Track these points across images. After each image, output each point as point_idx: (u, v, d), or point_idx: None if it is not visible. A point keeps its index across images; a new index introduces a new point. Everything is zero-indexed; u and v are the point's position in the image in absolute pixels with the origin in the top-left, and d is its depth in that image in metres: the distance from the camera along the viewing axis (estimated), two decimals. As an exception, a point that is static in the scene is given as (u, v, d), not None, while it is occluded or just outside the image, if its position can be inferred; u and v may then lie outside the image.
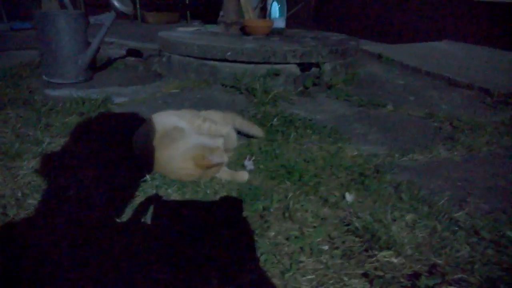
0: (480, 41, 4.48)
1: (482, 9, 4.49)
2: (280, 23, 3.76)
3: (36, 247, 1.22)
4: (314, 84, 3.06)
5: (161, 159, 1.62)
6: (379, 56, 3.95)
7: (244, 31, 3.66)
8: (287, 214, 1.41)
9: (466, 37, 4.67)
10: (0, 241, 1.25)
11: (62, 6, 5.93)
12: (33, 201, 1.46)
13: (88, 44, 3.13)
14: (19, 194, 1.49)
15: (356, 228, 1.31)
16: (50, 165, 1.74)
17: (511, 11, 4.20)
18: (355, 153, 1.97)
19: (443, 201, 1.50)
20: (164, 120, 1.79)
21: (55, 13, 2.98)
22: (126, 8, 2.84)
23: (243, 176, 1.67)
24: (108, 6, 2.92)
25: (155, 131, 1.70)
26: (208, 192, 1.54)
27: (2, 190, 1.52)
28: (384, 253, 1.19)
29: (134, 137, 1.84)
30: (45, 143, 1.93)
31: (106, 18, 2.88)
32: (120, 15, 3.00)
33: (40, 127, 2.10)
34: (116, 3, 2.78)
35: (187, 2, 7.70)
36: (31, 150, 1.85)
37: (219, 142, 1.65)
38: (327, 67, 3.11)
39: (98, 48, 3.14)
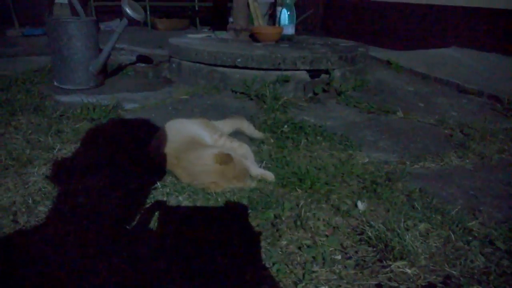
0: (488, 48, 4.45)
1: (489, 16, 4.47)
2: (290, 30, 3.77)
3: (46, 255, 1.23)
4: (324, 91, 3.05)
5: (186, 161, 1.66)
6: (388, 63, 3.94)
7: (254, 37, 3.67)
8: (299, 223, 1.40)
9: (474, 44, 4.64)
10: (11, 249, 1.26)
11: (73, 12, 6.01)
12: (43, 208, 1.47)
13: (99, 50, 3.16)
14: (30, 201, 1.50)
15: (369, 237, 1.30)
16: (61, 171, 1.75)
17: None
18: (366, 160, 1.97)
19: (456, 210, 1.49)
20: (186, 127, 1.88)
21: (67, 20, 3.01)
22: (139, 16, 2.86)
23: (271, 176, 1.73)
24: (119, 13, 2.96)
25: (177, 136, 1.79)
26: (219, 199, 1.54)
27: (13, 197, 1.53)
28: (398, 263, 1.18)
29: (153, 142, 1.87)
30: (56, 150, 1.95)
31: (118, 25, 2.91)
32: (131, 22, 3.03)
33: (51, 133, 2.12)
34: (128, 11, 2.80)
35: (197, 9, 7.74)
36: (42, 156, 1.87)
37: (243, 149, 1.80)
38: (336, 73, 3.11)
39: (109, 55, 3.16)
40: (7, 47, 5.08)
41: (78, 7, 3.05)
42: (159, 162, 1.75)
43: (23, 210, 1.45)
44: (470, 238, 1.33)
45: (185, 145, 1.73)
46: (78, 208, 1.47)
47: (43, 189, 1.59)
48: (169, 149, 1.74)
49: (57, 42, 3.00)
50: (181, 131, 1.85)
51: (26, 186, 1.61)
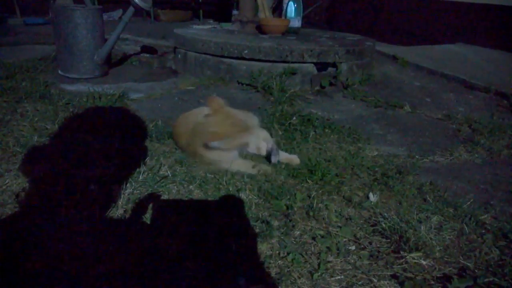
0: (493, 45, 4.44)
1: (495, 12, 4.45)
2: (296, 23, 3.75)
3: (60, 239, 1.22)
4: (331, 84, 3.04)
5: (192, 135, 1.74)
6: (394, 58, 3.92)
7: (260, 29, 3.65)
8: (311, 213, 1.39)
9: (479, 40, 4.63)
10: (24, 233, 1.25)
11: (76, 1, 5.96)
12: (55, 195, 1.46)
13: (104, 39, 3.13)
14: (40, 187, 1.49)
15: (383, 228, 1.29)
16: (69, 159, 1.73)
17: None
18: (375, 153, 1.96)
19: (468, 203, 1.48)
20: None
21: (73, 8, 2.98)
22: (146, 4, 2.83)
23: (297, 159, 1.79)
24: (120, 3, 2.92)
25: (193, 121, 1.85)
26: (230, 189, 1.53)
27: (23, 183, 1.52)
28: (413, 254, 1.17)
29: (175, 124, 1.98)
30: (63, 137, 1.93)
31: (119, 14, 2.88)
32: (136, 12, 3.00)
33: (58, 121, 2.10)
34: (135, -1, 2.78)
35: (200, 1, 7.69)
36: (50, 144, 1.85)
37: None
38: (343, 67, 3.09)
39: (114, 44, 3.14)
40: (9, 36, 5.04)
41: (84, -5, 3.02)
42: (176, 143, 1.87)
43: (34, 196, 1.44)
44: (483, 231, 1.32)
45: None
46: (90, 195, 1.46)
47: (53, 176, 1.58)
48: (184, 131, 1.81)
49: (63, 30, 2.97)
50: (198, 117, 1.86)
51: (37, 172, 1.59)
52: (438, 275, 1.12)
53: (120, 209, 1.39)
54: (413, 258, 1.17)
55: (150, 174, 1.62)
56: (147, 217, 1.36)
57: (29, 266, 1.10)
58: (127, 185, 1.53)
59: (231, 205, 1.43)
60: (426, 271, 1.13)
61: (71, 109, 2.29)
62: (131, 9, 2.91)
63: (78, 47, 2.99)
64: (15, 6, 6.61)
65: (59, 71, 3.14)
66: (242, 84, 3.02)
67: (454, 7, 4.90)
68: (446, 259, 1.19)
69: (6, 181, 1.51)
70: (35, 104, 2.37)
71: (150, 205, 1.42)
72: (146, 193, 1.49)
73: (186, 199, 1.48)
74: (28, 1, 7.00)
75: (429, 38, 5.03)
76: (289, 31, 3.70)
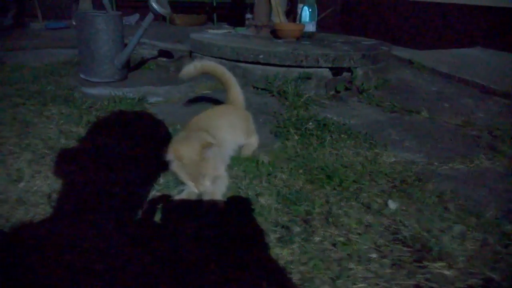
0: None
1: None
2: (311, 27, 3.76)
3: (88, 240, 1.24)
4: (346, 89, 3.04)
5: None
6: (410, 62, 3.89)
7: (275, 34, 3.66)
8: (330, 219, 1.39)
9: (497, 44, 4.57)
10: (52, 233, 1.28)
11: (95, 6, 6.06)
12: (82, 197, 1.49)
13: (124, 44, 3.18)
14: (69, 189, 1.52)
15: (404, 237, 1.29)
16: (94, 162, 1.77)
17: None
18: (393, 159, 1.95)
19: (490, 212, 1.47)
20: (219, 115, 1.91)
21: (95, 14, 3.03)
22: (165, 11, 2.87)
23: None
24: (138, 8, 2.96)
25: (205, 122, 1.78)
26: (249, 193, 1.54)
27: (52, 185, 1.55)
28: (436, 264, 1.17)
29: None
30: (88, 140, 1.97)
31: (136, 19, 2.92)
32: (157, 17, 3.04)
33: (82, 124, 2.14)
34: (155, 5, 2.81)
35: (214, 5, 7.74)
36: (76, 147, 1.89)
37: None
38: (359, 71, 3.08)
39: (134, 49, 3.18)
40: (32, 40, 5.14)
41: (106, 2, 3.07)
42: None
43: (63, 197, 1.47)
44: (509, 242, 1.30)
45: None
46: (115, 198, 1.48)
47: (80, 178, 1.61)
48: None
49: (85, 35, 3.03)
50: (213, 117, 1.85)
51: (64, 174, 1.63)
52: (463, 286, 1.11)
53: (144, 212, 1.41)
54: (436, 268, 1.16)
55: (171, 177, 1.64)
56: (169, 220, 1.37)
57: (63, 265, 1.12)
58: (150, 188, 1.55)
59: (251, 209, 1.44)
60: (450, 282, 1.13)
61: (94, 113, 2.33)
62: (150, 16, 2.95)
63: (99, 52, 3.04)
64: (37, 10, 6.74)
65: (81, 75, 3.19)
66: (258, 88, 3.04)
67: (472, 11, 4.85)
68: (470, 269, 1.18)
69: (37, 182, 1.55)
70: (60, 107, 2.41)
71: (172, 208, 1.44)
72: (168, 196, 1.51)
73: (206, 203, 1.49)
74: (50, 6, 7.14)
75: (446, 42, 4.98)
76: (303, 36, 3.70)
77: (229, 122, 1.87)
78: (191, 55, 3.69)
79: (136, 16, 7.26)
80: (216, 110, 2.01)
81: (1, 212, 1.37)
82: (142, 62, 3.82)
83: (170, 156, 1.46)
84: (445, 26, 5.19)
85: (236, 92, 2.11)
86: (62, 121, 2.17)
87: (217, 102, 2.77)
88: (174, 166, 1.49)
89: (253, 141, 1.99)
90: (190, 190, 1.52)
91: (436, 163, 1.92)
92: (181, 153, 1.44)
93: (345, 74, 3.11)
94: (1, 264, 1.13)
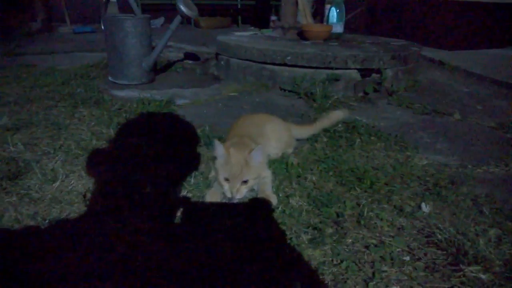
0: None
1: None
2: (338, 28, 3.73)
3: (118, 239, 1.27)
4: (375, 90, 3.00)
5: None
6: (441, 63, 3.82)
7: (302, 35, 3.66)
8: (362, 222, 1.38)
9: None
10: (87, 231, 1.32)
11: (122, 10, 6.20)
12: (115, 196, 1.53)
13: (151, 47, 3.25)
14: (102, 188, 1.57)
15: (439, 240, 1.26)
16: (125, 162, 1.81)
17: None
18: (425, 162, 1.91)
19: (528, 217, 1.42)
20: (264, 123, 1.91)
21: (124, 17, 3.11)
22: (192, 13, 2.91)
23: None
24: (163, 11, 2.98)
25: (248, 128, 1.82)
26: (280, 195, 1.55)
27: (86, 185, 1.60)
28: (471, 268, 1.14)
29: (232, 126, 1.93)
30: (118, 141, 2.02)
31: (161, 22, 2.95)
32: (183, 19, 3.09)
33: (112, 126, 2.19)
34: (182, 8, 2.86)
35: (239, 7, 7.81)
36: (107, 148, 1.94)
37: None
38: (388, 73, 3.04)
39: (161, 51, 3.24)
40: (61, 44, 5.32)
41: (134, 6, 3.14)
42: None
43: (97, 196, 1.51)
44: (547, 247, 1.26)
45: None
46: (147, 197, 1.52)
47: (112, 178, 1.66)
48: (234, 135, 1.74)
49: (113, 38, 3.11)
50: (255, 124, 1.87)
51: (97, 174, 1.68)
52: (499, 291, 1.08)
53: (175, 211, 1.43)
54: (472, 272, 1.13)
55: (201, 178, 1.67)
56: (201, 219, 1.39)
57: (98, 261, 1.16)
58: (181, 188, 1.58)
59: (282, 210, 1.44)
60: (485, 286, 1.10)
61: (123, 114, 2.39)
62: (178, 18, 3.00)
63: (127, 54, 3.12)
64: (65, 15, 6.97)
65: (109, 78, 3.28)
66: (285, 90, 3.04)
67: (504, 10, 4.71)
68: (507, 274, 1.14)
69: (72, 182, 1.60)
70: (91, 109, 2.49)
71: (204, 208, 1.46)
72: (198, 197, 1.54)
73: (238, 203, 1.51)
74: (77, 11, 7.36)
75: (478, 43, 4.85)
76: (331, 37, 3.68)
77: (275, 132, 1.89)
78: (217, 58, 3.73)
79: (162, 19, 7.39)
80: (261, 118, 2.00)
81: (38, 210, 1.42)
82: (169, 65, 3.89)
83: (219, 152, 1.48)
84: (476, 26, 5.06)
85: None
86: (93, 123, 2.23)
87: (244, 104, 2.80)
88: (219, 163, 1.50)
89: (290, 150, 2.00)
90: (215, 191, 1.53)
91: (470, 166, 1.88)
92: (232, 152, 1.47)
93: (374, 75, 3.08)
94: (40, 259, 1.17)
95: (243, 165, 1.46)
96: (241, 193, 1.47)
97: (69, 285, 1.08)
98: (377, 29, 6.34)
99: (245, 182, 1.47)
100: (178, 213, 1.43)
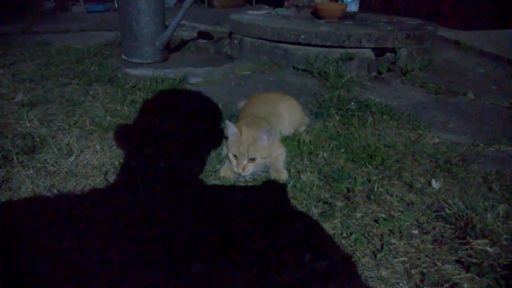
0: None
1: None
2: (353, 7, 3.68)
3: (138, 209, 1.33)
4: (389, 70, 2.98)
5: None
6: (456, 43, 3.75)
7: (316, 14, 3.62)
8: (372, 197, 1.41)
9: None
10: (104, 203, 1.37)
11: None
12: (129, 170, 1.58)
13: (164, 26, 3.26)
14: (117, 163, 1.62)
15: (447, 214, 1.29)
16: (140, 138, 1.86)
17: None
18: (437, 140, 1.92)
19: (538, 194, 1.43)
20: (276, 102, 1.93)
21: (137, -5, 3.11)
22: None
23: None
24: None
25: (261, 107, 1.85)
26: (291, 171, 1.58)
27: (101, 159, 1.65)
28: (479, 241, 1.17)
29: (243, 104, 2.01)
30: (132, 118, 2.07)
31: (174, 1, 2.95)
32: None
33: (126, 103, 2.23)
34: (196, -14, 2.85)
35: (252, -14, 7.70)
36: (122, 124, 1.99)
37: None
38: (403, 52, 3.01)
39: (174, 30, 3.25)
40: (74, 23, 5.35)
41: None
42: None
43: (112, 170, 1.56)
44: (555, 223, 1.28)
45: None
46: (161, 172, 1.57)
47: (126, 153, 1.71)
48: (248, 114, 1.79)
49: (127, 17, 3.12)
50: (268, 103, 1.90)
51: (111, 149, 1.73)
52: (505, 263, 1.11)
53: (189, 185, 1.48)
54: (479, 245, 1.16)
55: (214, 155, 1.71)
56: (215, 194, 1.44)
57: (115, 232, 1.21)
58: (194, 163, 1.62)
59: (293, 185, 1.48)
60: (492, 258, 1.13)
61: (137, 92, 2.43)
62: (192, -4, 3.00)
63: (141, 33, 3.14)
64: (78, -6, 6.99)
65: (123, 56, 3.31)
66: (298, 69, 3.04)
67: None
68: (514, 248, 1.17)
69: (87, 156, 1.65)
70: (105, 86, 2.53)
71: (216, 184, 1.51)
72: (212, 172, 1.58)
73: (250, 180, 1.55)
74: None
75: (494, 23, 4.73)
76: (345, 16, 3.64)
77: (288, 111, 1.91)
78: (230, 37, 3.72)
79: (173, -2, 7.34)
80: (275, 97, 2.02)
81: (54, 183, 1.47)
82: (182, 44, 3.90)
83: (231, 130, 1.54)
84: (492, 6, 4.92)
85: None
86: (107, 100, 2.28)
87: (257, 83, 2.81)
88: (230, 141, 1.56)
89: (303, 128, 2.02)
90: (227, 166, 1.58)
91: (481, 145, 1.88)
92: (243, 130, 1.54)
93: (388, 54, 3.05)
94: (56, 228, 1.23)
95: (251, 144, 1.52)
96: (248, 170, 1.54)
97: (84, 255, 1.14)
98: (393, 8, 6.22)
99: (253, 160, 1.53)
100: (193, 187, 1.48)
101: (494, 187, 1.48)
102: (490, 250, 1.15)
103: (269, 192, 1.46)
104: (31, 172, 1.54)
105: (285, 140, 1.83)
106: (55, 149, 1.69)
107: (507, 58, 3.33)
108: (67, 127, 1.94)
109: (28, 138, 1.79)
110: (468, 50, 3.60)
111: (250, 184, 1.52)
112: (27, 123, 1.95)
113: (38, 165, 1.59)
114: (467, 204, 1.33)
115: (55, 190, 1.43)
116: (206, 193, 1.45)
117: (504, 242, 1.19)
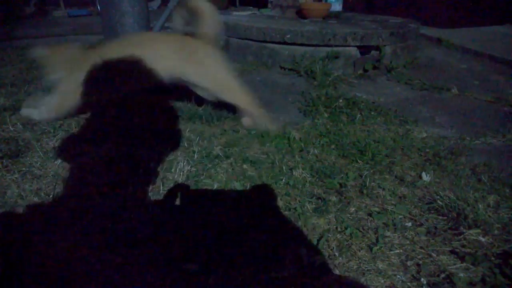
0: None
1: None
2: (337, 7, 3.72)
3: (123, 211, 1.31)
4: (374, 67, 3.01)
5: None
6: (439, 40, 3.82)
7: (301, 14, 3.64)
8: (364, 191, 1.42)
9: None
10: (95, 204, 1.35)
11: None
12: (119, 172, 1.55)
13: (149, 28, 3.22)
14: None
15: (440, 206, 1.30)
16: (126, 140, 1.83)
17: None
18: (424, 135, 1.95)
19: (525, 184, 1.46)
20: None
21: (121, -3, 3.07)
22: (191, -9, 2.89)
23: None
24: None
25: None
26: (283, 168, 1.58)
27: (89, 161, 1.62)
28: (471, 231, 1.18)
29: None
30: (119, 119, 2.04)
31: (158, 4, 2.95)
32: (181, -2, 3.06)
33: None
34: (181, -14, 2.83)
35: (236, -13, 7.71)
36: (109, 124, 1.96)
37: None
38: (387, 50, 3.05)
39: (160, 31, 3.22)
40: (56, 27, 5.27)
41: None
42: None
43: (102, 174, 1.54)
44: (544, 211, 1.31)
45: None
46: (149, 173, 1.55)
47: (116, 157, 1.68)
48: None
49: (110, 19, 3.07)
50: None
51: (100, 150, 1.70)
52: (498, 252, 1.13)
53: (180, 184, 1.47)
54: (472, 235, 1.18)
55: (204, 154, 1.69)
56: (207, 193, 1.43)
57: (105, 232, 1.19)
58: (184, 163, 1.61)
59: (286, 182, 1.48)
60: (485, 248, 1.14)
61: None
62: (175, -3, 2.98)
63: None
64: (59, -2, 6.88)
65: (108, 59, 3.26)
66: (285, 68, 3.05)
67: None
68: (505, 237, 1.19)
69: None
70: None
71: (208, 183, 1.49)
72: (202, 171, 1.57)
73: (242, 177, 1.54)
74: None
75: (475, 20, 4.84)
76: (330, 15, 3.67)
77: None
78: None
79: (158, 1, 7.31)
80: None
81: (41, 186, 1.44)
82: (169, 46, 3.86)
83: None
84: (473, 4, 5.03)
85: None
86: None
87: (244, 83, 2.81)
88: None
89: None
90: None
91: (468, 138, 1.91)
92: None
93: (373, 52, 3.08)
94: (48, 232, 1.21)
95: None
96: None
97: (76, 256, 1.12)
98: (375, 7, 6.31)
99: None
100: (183, 186, 1.46)
101: (483, 178, 1.50)
102: (483, 239, 1.17)
103: (261, 190, 1.46)
104: (16, 176, 1.50)
105: (275, 138, 1.83)
106: (40, 153, 1.65)
107: (488, 54, 3.40)
108: (52, 130, 1.89)
109: (12, 142, 1.75)
110: (451, 47, 3.67)
111: (240, 182, 1.51)
112: (10, 127, 1.91)
113: (24, 169, 1.55)
114: (458, 196, 1.35)
115: (42, 194, 1.40)
116: (195, 192, 1.43)
117: (496, 232, 1.21)
